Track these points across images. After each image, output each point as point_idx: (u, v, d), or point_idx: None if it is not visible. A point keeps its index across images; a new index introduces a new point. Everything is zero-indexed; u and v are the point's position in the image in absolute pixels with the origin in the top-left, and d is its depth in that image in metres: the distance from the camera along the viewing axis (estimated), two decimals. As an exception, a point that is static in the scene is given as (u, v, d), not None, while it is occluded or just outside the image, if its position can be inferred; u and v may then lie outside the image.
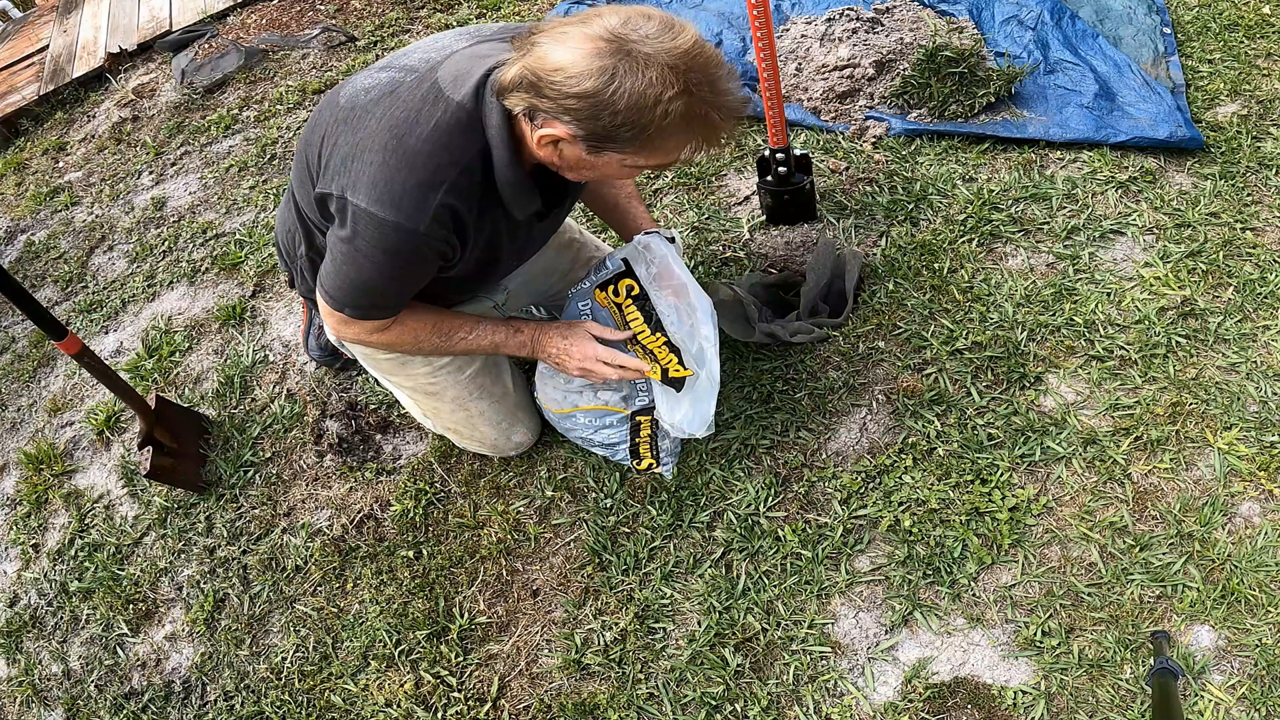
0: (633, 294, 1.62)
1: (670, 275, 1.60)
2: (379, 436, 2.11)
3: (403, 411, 2.12)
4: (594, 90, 1.09)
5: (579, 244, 1.98)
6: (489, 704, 1.62)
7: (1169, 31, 2.50)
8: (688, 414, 1.57)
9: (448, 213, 1.25)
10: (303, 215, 1.49)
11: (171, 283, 2.78)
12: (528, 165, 1.31)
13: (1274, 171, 2.07)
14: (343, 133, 1.29)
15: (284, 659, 1.79)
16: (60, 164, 3.69)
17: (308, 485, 2.07)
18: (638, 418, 1.73)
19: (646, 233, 1.67)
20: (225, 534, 2.03)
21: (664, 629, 1.64)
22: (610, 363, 1.56)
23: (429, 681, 1.68)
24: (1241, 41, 2.45)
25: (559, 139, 1.17)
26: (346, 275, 1.34)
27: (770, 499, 1.74)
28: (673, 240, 1.67)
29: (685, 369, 1.57)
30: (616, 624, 1.66)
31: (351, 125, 1.28)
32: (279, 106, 3.43)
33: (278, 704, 1.73)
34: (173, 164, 3.36)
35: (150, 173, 3.36)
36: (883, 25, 2.61)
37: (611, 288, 1.64)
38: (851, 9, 2.65)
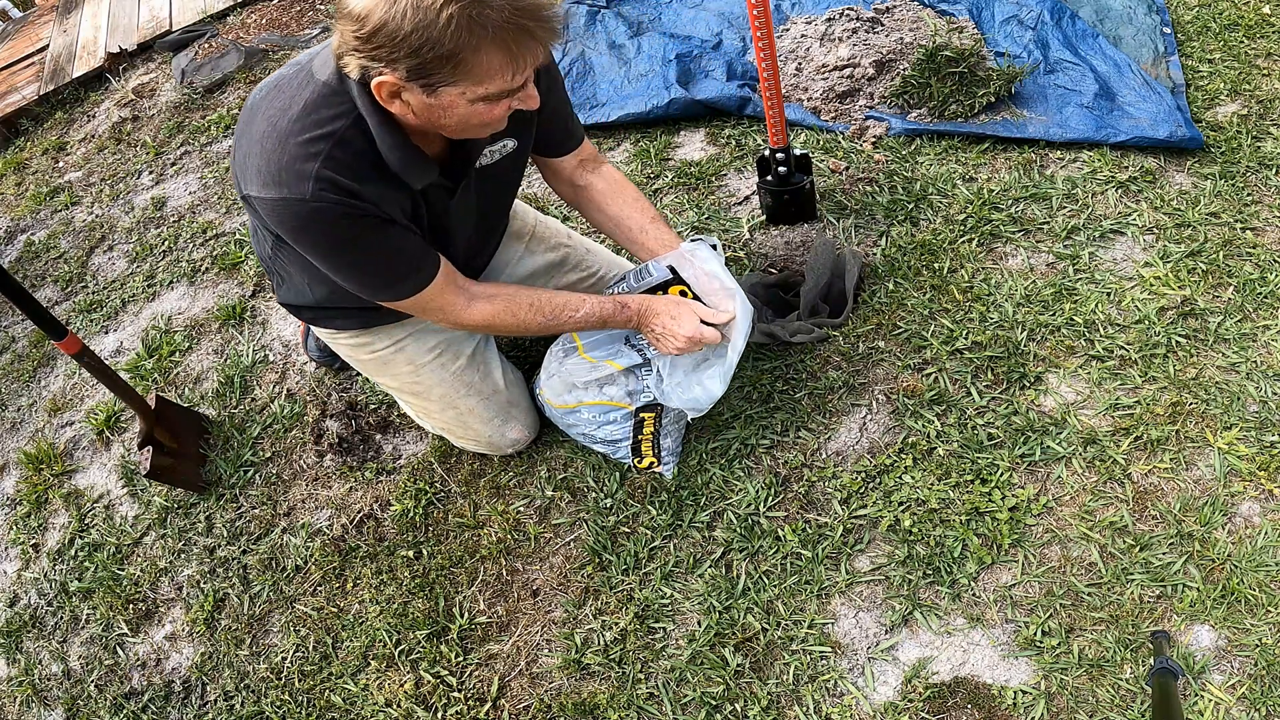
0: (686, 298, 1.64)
1: (717, 280, 1.63)
2: (379, 436, 2.11)
3: (403, 411, 2.12)
4: (381, 22, 1.08)
5: (567, 248, 1.96)
6: (489, 704, 1.62)
7: (1169, 31, 2.50)
8: (693, 396, 1.61)
9: (329, 185, 1.24)
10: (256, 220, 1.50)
11: (171, 283, 2.78)
12: (420, 132, 1.31)
13: (1274, 171, 2.07)
14: (243, 135, 1.32)
15: (284, 659, 1.79)
16: (60, 164, 3.69)
17: (308, 485, 2.07)
18: (641, 414, 1.73)
19: (693, 239, 1.68)
20: (225, 534, 2.03)
21: (664, 629, 1.64)
22: (712, 342, 1.59)
23: (429, 681, 1.68)
24: (1241, 41, 2.45)
25: (395, 89, 1.17)
26: (325, 266, 1.37)
27: (770, 499, 1.74)
28: (715, 248, 1.68)
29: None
30: (616, 624, 1.66)
31: (248, 127, 1.31)
32: (279, 106, 3.42)
33: (278, 704, 1.73)
34: (173, 164, 3.36)
35: (150, 173, 3.36)
36: (883, 25, 2.61)
37: (661, 293, 1.66)
38: (851, 9, 2.65)
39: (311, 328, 1.83)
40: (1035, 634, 1.47)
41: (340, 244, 1.33)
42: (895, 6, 2.68)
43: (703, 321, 1.59)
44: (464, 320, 1.52)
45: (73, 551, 2.13)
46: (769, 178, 2.16)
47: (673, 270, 1.66)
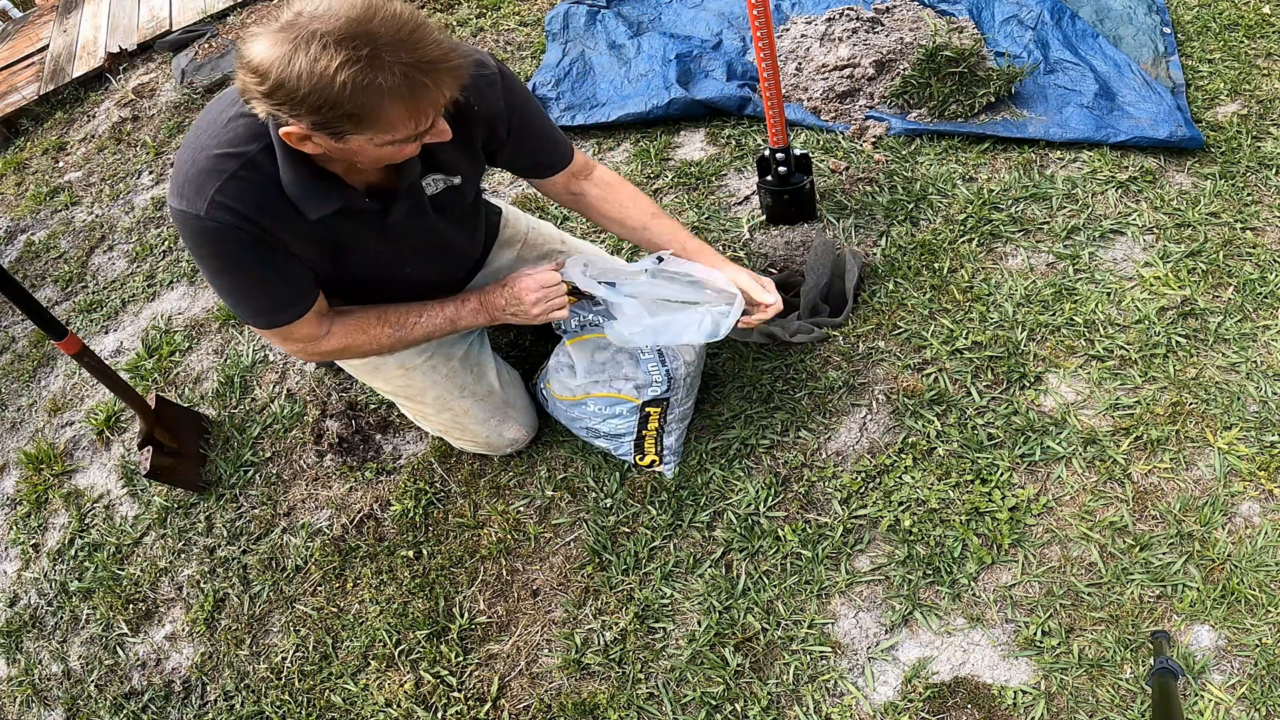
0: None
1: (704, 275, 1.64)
2: (379, 436, 2.11)
3: (402, 412, 2.12)
4: (278, 82, 1.06)
5: (561, 253, 1.92)
6: (489, 704, 1.62)
7: (1169, 31, 2.50)
8: (636, 331, 1.57)
9: (223, 208, 1.25)
10: None
11: (171, 282, 2.78)
12: (345, 163, 1.30)
13: (1274, 171, 2.07)
14: (184, 143, 1.34)
15: (284, 659, 1.79)
16: (60, 164, 3.69)
17: (308, 485, 2.07)
18: (648, 408, 1.73)
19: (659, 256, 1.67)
20: (225, 534, 2.03)
21: (664, 629, 1.64)
22: (550, 283, 1.56)
23: (429, 681, 1.68)
24: (1241, 41, 2.45)
25: (304, 135, 1.15)
26: (211, 281, 1.39)
27: (770, 499, 1.74)
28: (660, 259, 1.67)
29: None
30: (616, 624, 1.66)
31: (188, 135, 1.33)
32: (279, 106, 3.42)
33: (278, 704, 1.73)
34: (172, 164, 3.35)
35: (150, 172, 3.36)
36: (883, 25, 2.61)
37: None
38: (851, 9, 2.65)
39: None
40: (1035, 634, 1.47)
41: (225, 266, 1.34)
42: (895, 6, 2.68)
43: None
44: (322, 349, 1.51)
45: (73, 551, 2.13)
46: (769, 178, 2.16)
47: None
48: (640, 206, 1.71)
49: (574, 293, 1.64)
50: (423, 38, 1.10)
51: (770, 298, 1.65)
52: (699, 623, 1.62)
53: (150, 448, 2.02)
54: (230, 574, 1.95)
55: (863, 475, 1.73)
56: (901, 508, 1.67)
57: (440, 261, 1.66)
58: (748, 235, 2.26)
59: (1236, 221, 1.98)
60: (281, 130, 1.15)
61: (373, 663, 1.73)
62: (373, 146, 1.18)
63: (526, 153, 1.59)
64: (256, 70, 1.07)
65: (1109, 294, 1.90)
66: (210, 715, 1.77)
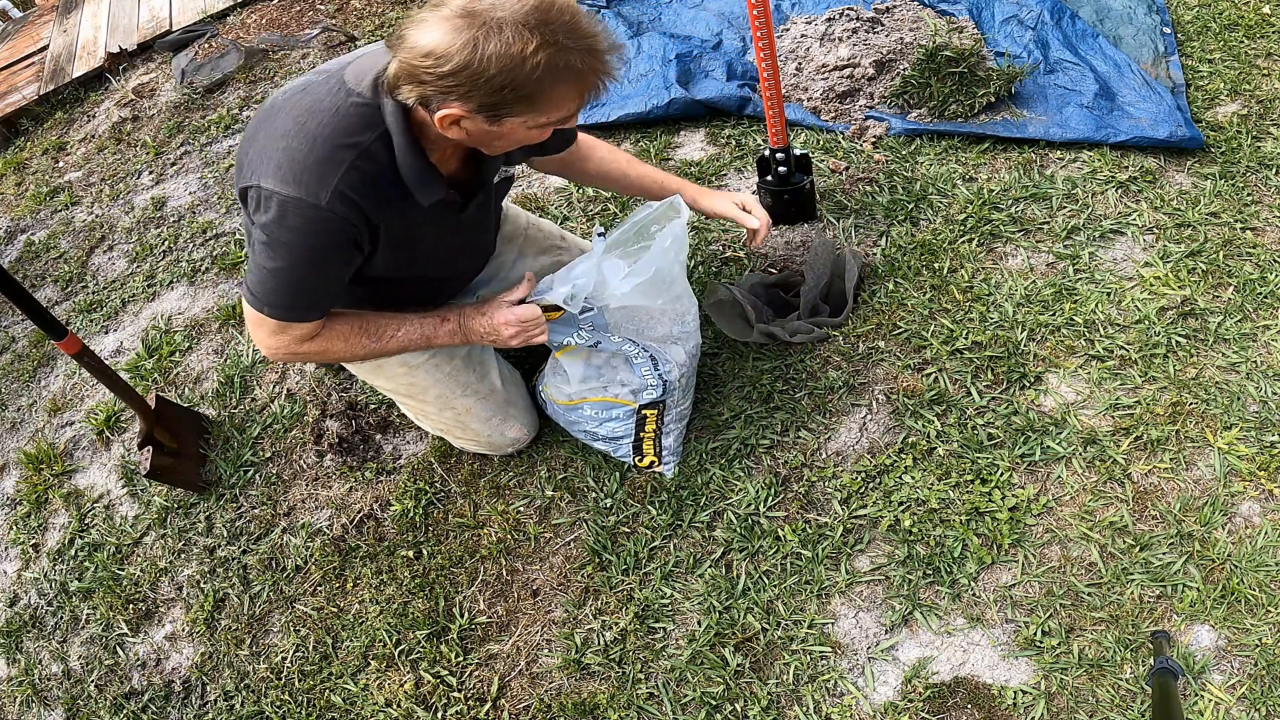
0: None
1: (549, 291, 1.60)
2: (379, 436, 2.11)
3: (403, 411, 2.12)
4: (464, 64, 1.12)
5: (562, 249, 1.96)
6: (489, 704, 1.62)
7: (1169, 31, 2.50)
8: (625, 289, 1.55)
9: (347, 199, 1.27)
10: (246, 228, 1.50)
11: (171, 283, 2.78)
12: (439, 152, 1.36)
13: (1274, 171, 2.07)
14: (260, 131, 1.32)
15: (284, 659, 1.79)
16: (60, 164, 3.69)
17: (308, 485, 2.07)
18: (644, 411, 1.73)
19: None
20: (225, 534, 2.03)
21: (664, 629, 1.64)
22: (530, 317, 1.57)
23: (429, 681, 1.68)
24: (1241, 41, 2.45)
25: (459, 117, 1.20)
26: (264, 266, 1.34)
27: (770, 499, 1.74)
28: (603, 235, 1.67)
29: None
30: (616, 624, 1.66)
31: (268, 122, 1.32)
32: (279, 106, 3.42)
33: (278, 704, 1.73)
34: (173, 164, 3.36)
35: (150, 172, 3.36)
36: (883, 25, 2.61)
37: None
38: (851, 9, 2.65)
39: None
40: (1035, 634, 1.47)
41: (304, 258, 1.32)
42: (895, 6, 2.68)
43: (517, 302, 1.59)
44: (299, 350, 1.49)
45: (73, 551, 2.13)
46: (769, 178, 2.16)
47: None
48: (617, 160, 1.83)
49: (553, 309, 1.62)
50: (591, 26, 1.19)
51: (755, 221, 1.78)
52: (699, 623, 1.62)
53: (150, 448, 2.02)
54: (230, 574, 1.95)
55: (863, 475, 1.73)
56: (901, 508, 1.67)
57: (475, 257, 1.70)
58: (748, 235, 2.26)
59: (1236, 221, 1.98)
60: (439, 114, 1.19)
61: (373, 663, 1.73)
62: (524, 129, 1.25)
63: (558, 137, 1.64)
64: (432, 54, 1.12)
65: (1109, 294, 1.90)
66: (210, 715, 1.77)
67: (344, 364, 1.86)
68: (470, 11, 1.12)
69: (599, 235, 1.68)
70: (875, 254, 2.12)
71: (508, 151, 1.42)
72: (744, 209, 1.80)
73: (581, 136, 1.80)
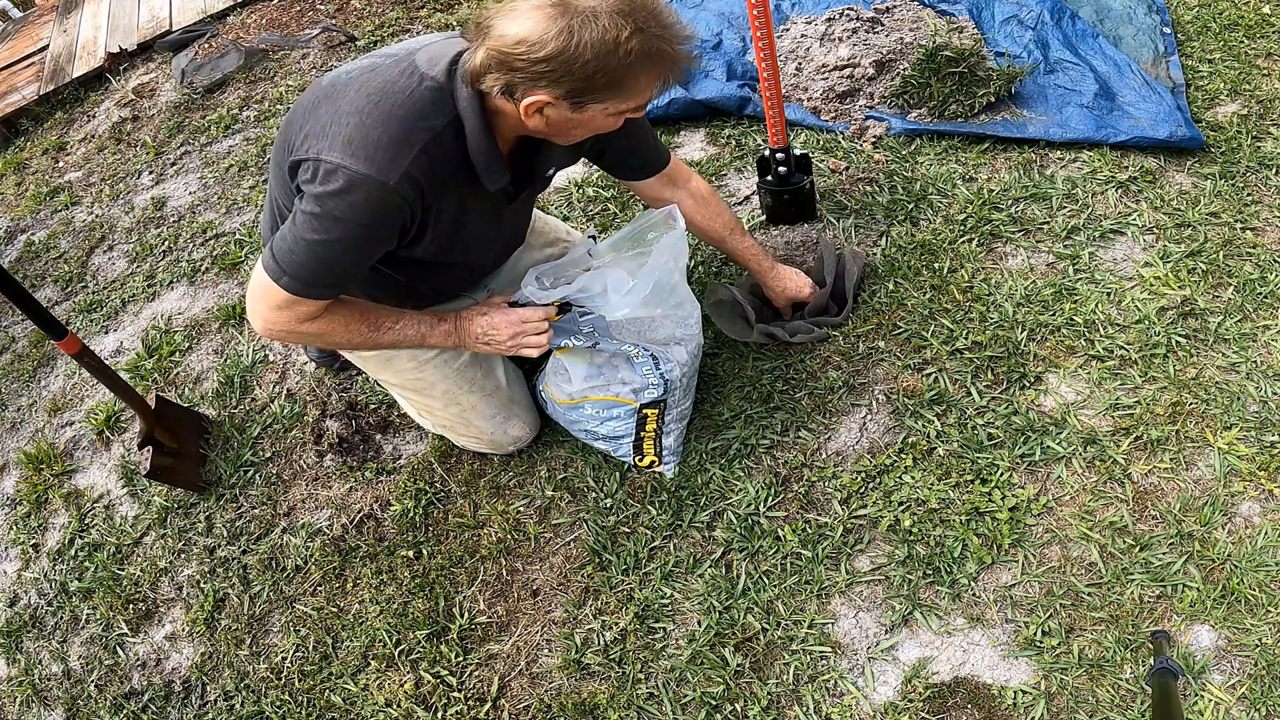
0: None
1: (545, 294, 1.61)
2: (379, 436, 2.11)
3: (403, 411, 2.12)
4: (559, 50, 1.16)
5: (565, 243, 1.99)
6: (489, 704, 1.62)
7: (1169, 31, 2.50)
8: (630, 299, 1.56)
9: (414, 180, 1.29)
10: (277, 204, 1.50)
11: (171, 283, 2.78)
12: (504, 140, 1.39)
13: (1274, 171, 2.07)
14: (322, 107, 1.33)
15: (284, 659, 1.79)
16: (60, 164, 3.69)
17: (308, 485, 2.07)
18: (645, 410, 1.74)
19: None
20: (225, 534, 2.03)
21: (664, 629, 1.64)
22: (533, 319, 1.58)
23: (429, 681, 1.68)
24: (1241, 41, 2.45)
25: (544, 104, 1.24)
26: (303, 237, 1.32)
27: (770, 499, 1.74)
28: (594, 239, 1.71)
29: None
30: (616, 624, 1.66)
31: (331, 99, 1.32)
32: (279, 106, 3.43)
33: (278, 704, 1.73)
34: (173, 164, 3.36)
35: (150, 172, 3.36)
36: (883, 25, 2.61)
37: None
38: (851, 9, 2.65)
39: None
40: (1035, 634, 1.47)
41: (349, 234, 1.31)
42: (895, 6, 2.68)
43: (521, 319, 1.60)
44: (300, 329, 1.45)
45: (73, 551, 2.13)
46: (769, 178, 2.16)
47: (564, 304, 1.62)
48: (723, 220, 1.87)
49: (559, 309, 1.62)
50: (671, 15, 1.24)
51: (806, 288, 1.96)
52: (699, 623, 1.62)
53: (150, 448, 2.02)
54: (230, 574, 1.95)
55: (863, 475, 1.73)
56: (901, 508, 1.67)
57: (507, 248, 1.74)
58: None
59: (1236, 221, 1.98)
60: (525, 101, 1.23)
61: (373, 663, 1.73)
62: (604, 116, 1.30)
63: (629, 153, 1.70)
64: (526, 40, 1.17)
65: (1109, 294, 1.90)
66: (210, 715, 1.77)
67: (345, 354, 1.86)
68: (563, 1, 1.17)
69: (590, 238, 1.70)
70: (875, 254, 2.12)
71: (581, 156, 1.48)
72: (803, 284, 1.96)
73: (699, 182, 1.85)
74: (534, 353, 1.61)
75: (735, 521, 1.72)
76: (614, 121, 1.35)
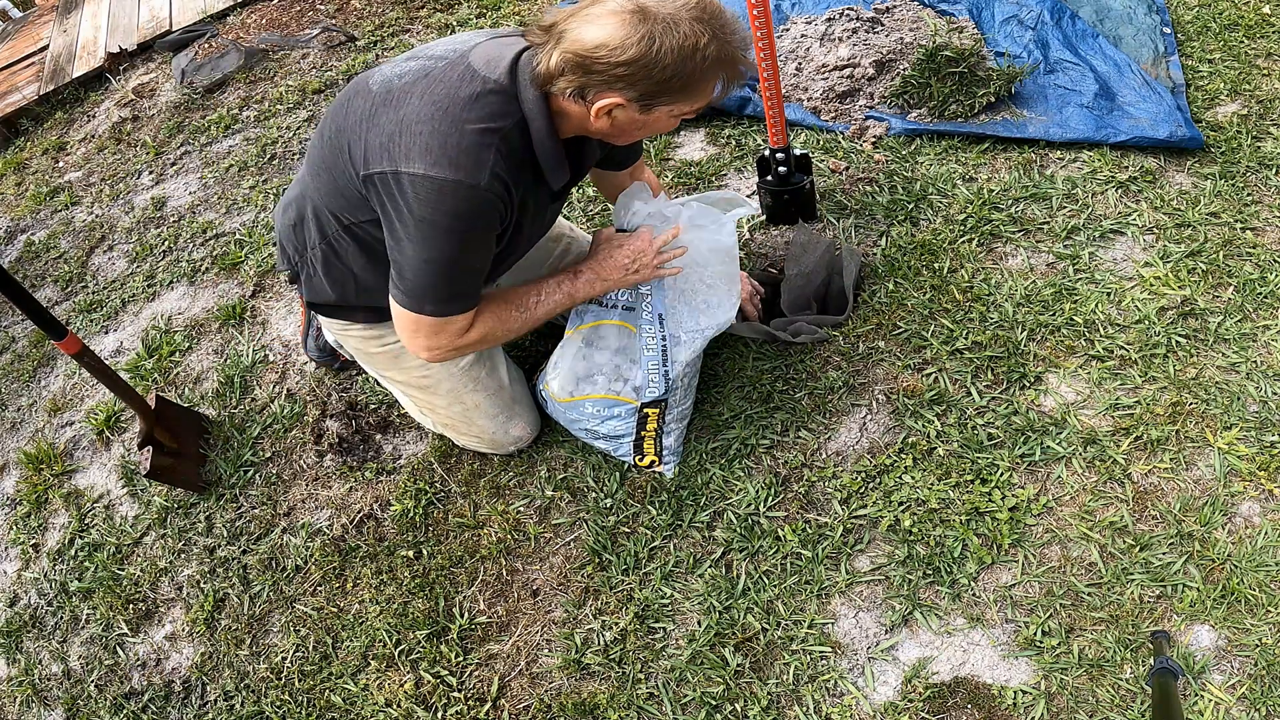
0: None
1: (646, 208, 1.69)
2: (379, 436, 2.11)
3: (403, 411, 2.12)
4: (640, 55, 1.22)
5: (569, 239, 2.02)
6: (489, 704, 1.62)
7: (1169, 31, 2.50)
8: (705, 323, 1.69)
9: (501, 179, 1.32)
10: (319, 205, 1.50)
11: (171, 283, 2.78)
12: (561, 139, 1.43)
13: (1274, 171, 2.07)
14: (382, 114, 1.33)
15: (284, 659, 1.79)
16: (60, 164, 3.69)
17: (308, 485, 2.07)
18: (646, 410, 1.74)
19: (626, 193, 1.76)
20: (225, 534, 2.03)
21: (664, 629, 1.64)
22: (668, 237, 1.64)
23: (429, 681, 1.68)
24: (1241, 41, 2.45)
25: (615, 106, 1.29)
26: (420, 257, 1.35)
27: (770, 499, 1.74)
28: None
29: None
30: (616, 624, 1.66)
31: (391, 106, 1.33)
32: (279, 106, 3.43)
33: (278, 704, 1.73)
34: (173, 164, 3.36)
35: (150, 173, 3.36)
36: (883, 25, 2.61)
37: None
38: (851, 9, 2.65)
39: (321, 321, 1.85)
40: (1035, 634, 1.47)
41: (464, 241, 1.35)
42: (895, 6, 2.68)
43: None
44: (463, 342, 1.51)
45: (73, 551, 2.13)
46: (769, 178, 2.16)
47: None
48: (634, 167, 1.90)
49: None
50: (736, 22, 1.30)
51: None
52: (699, 623, 1.62)
53: (150, 448, 2.02)
54: (230, 574, 1.95)
55: (863, 475, 1.73)
56: (901, 508, 1.67)
57: (537, 241, 1.77)
58: (748, 235, 2.26)
59: (1236, 221, 1.98)
60: (598, 103, 1.28)
61: (373, 663, 1.73)
62: (668, 117, 1.36)
63: (633, 146, 1.74)
64: (606, 45, 1.23)
65: (1109, 294, 1.90)
66: (210, 715, 1.77)
67: (351, 354, 1.89)
68: (641, 8, 1.23)
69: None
70: (875, 254, 2.12)
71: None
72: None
73: (647, 173, 1.90)
74: (673, 272, 1.66)
75: (735, 521, 1.72)
76: (673, 123, 1.40)
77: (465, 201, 1.30)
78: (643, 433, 1.77)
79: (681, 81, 1.27)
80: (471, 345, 1.53)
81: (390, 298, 1.44)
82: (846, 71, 2.52)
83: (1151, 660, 1.13)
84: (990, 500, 1.64)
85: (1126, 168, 2.16)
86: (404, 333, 1.47)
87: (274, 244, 2.74)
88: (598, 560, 1.75)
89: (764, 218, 2.27)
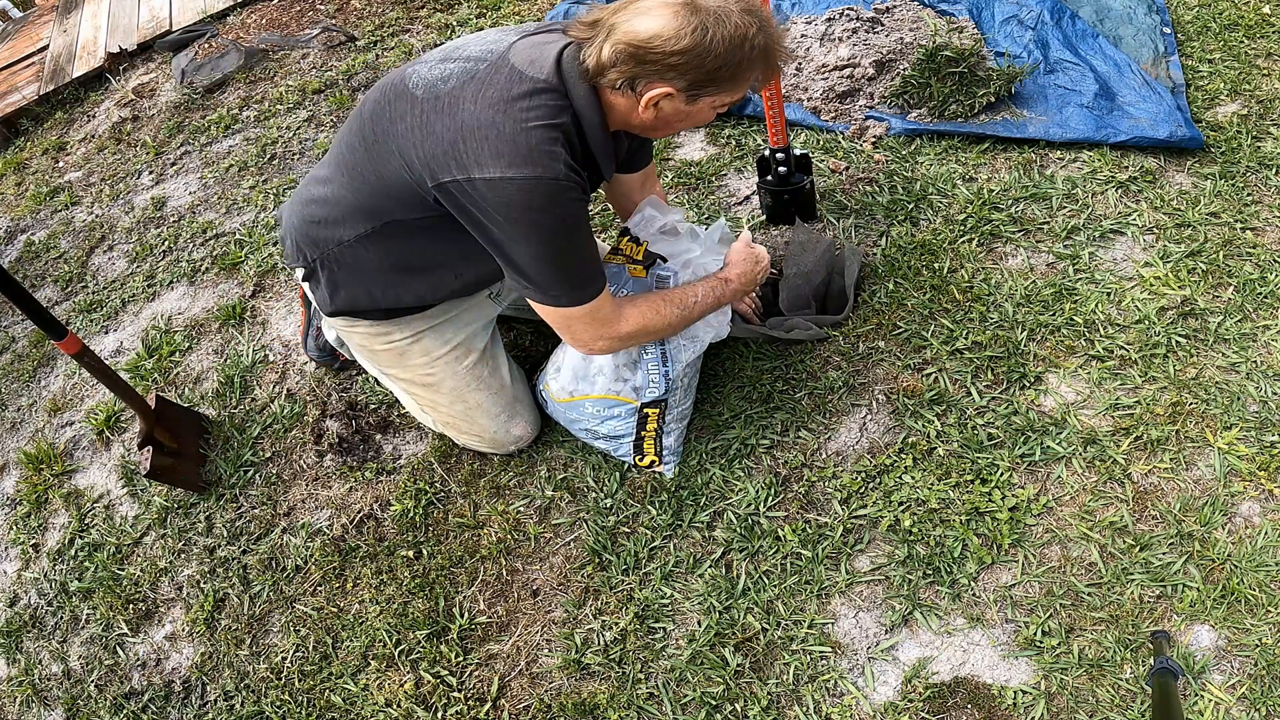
0: (625, 235, 1.76)
1: (662, 219, 1.76)
2: (379, 436, 2.11)
3: (403, 411, 2.12)
4: (694, 44, 1.27)
5: None
6: (489, 704, 1.62)
7: (1169, 31, 2.50)
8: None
9: (574, 168, 1.37)
10: (354, 207, 1.52)
11: (171, 283, 2.78)
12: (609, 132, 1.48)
13: (1274, 171, 2.07)
14: (436, 122, 1.35)
15: (284, 659, 1.79)
16: (60, 164, 3.69)
17: (308, 485, 2.07)
18: (646, 410, 1.74)
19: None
20: (225, 534, 2.03)
21: (664, 629, 1.64)
22: (764, 254, 1.79)
23: (429, 681, 1.68)
24: (1241, 41, 2.45)
25: (664, 96, 1.34)
26: (539, 258, 1.40)
27: (770, 499, 1.74)
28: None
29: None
30: (616, 624, 1.66)
31: (443, 113, 1.35)
32: (279, 106, 3.43)
33: (278, 704, 1.73)
34: (173, 164, 3.36)
35: (150, 172, 3.36)
36: (883, 25, 2.61)
37: (613, 248, 1.76)
38: (851, 9, 2.65)
39: (325, 319, 1.85)
40: (1035, 634, 1.47)
41: (572, 229, 1.40)
42: (895, 6, 2.68)
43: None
44: (621, 330, 1.55)
45: (73, 551, 2.13)
46: (769, 178, 2.16)
47: (626, 230, 1.77)
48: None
49: (616, 252, 1.73)
50: (775, 18, 1.36)
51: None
52: (699, 623, 1.62)
53: (150, 448, 2.02)
54: (230, 574, 1.95)
55: (863, 475, 1.73)
56: (901, 508, 1.67)
57: None
58: (748, 235, 2.25)
59: (1236, 221, 1.98)
60: (648, 94, 1.33)
61: (373, 663, 1.73)
62: (709, 108, 1.41)
63: (643, 144, 1.77)
64: (660, 36, 1.28)
65: (1109, 294, 1.90)
66: (210, 715, 1.77)
67: (354, 354, 1.91)
68: (691, 2, 1.28)
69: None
70: (875, 254, 2.12)
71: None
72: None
73: (658, 187, 1.93)
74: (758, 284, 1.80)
75: (735, 521, 1.72)
76: (712, 115, 1.44)
77: (547, 195, 1.33)
78: (643, 433, 1.77)
79: (730, 71, 1.31)
80: (632, 336, 1.58)
81: (529, 300, 1.50)
82: (846, 71, 2.52)
83: (1151, 660, 1.13)
84: (990, 500, 1.64)
85: (1126, 168, 2.16)
86: (566, 332, 1.55)
87: (274, 244, 2.74)
88: (598, 560, 1.75)
89: (764, 218, 2.27)
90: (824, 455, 1.79)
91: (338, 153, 1.56)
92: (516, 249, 1.40)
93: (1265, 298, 1.82)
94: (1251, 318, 1.80)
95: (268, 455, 2.15)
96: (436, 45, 3.45)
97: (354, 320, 1.74)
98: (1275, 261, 1.88)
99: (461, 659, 1.70)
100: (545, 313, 1.51)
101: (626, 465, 1.86)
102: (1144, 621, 1.45)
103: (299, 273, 1.71)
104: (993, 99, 2.36)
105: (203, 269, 2.78)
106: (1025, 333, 1.86)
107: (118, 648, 1.93)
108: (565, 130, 1.35)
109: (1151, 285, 1.89)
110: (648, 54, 1.29)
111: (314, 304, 2.09)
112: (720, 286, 1.68)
